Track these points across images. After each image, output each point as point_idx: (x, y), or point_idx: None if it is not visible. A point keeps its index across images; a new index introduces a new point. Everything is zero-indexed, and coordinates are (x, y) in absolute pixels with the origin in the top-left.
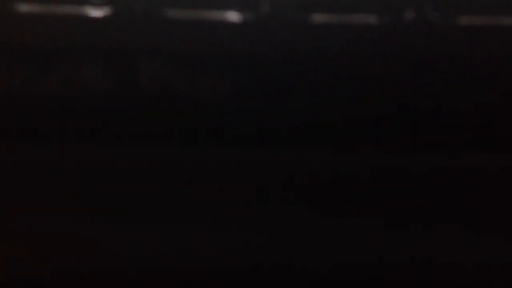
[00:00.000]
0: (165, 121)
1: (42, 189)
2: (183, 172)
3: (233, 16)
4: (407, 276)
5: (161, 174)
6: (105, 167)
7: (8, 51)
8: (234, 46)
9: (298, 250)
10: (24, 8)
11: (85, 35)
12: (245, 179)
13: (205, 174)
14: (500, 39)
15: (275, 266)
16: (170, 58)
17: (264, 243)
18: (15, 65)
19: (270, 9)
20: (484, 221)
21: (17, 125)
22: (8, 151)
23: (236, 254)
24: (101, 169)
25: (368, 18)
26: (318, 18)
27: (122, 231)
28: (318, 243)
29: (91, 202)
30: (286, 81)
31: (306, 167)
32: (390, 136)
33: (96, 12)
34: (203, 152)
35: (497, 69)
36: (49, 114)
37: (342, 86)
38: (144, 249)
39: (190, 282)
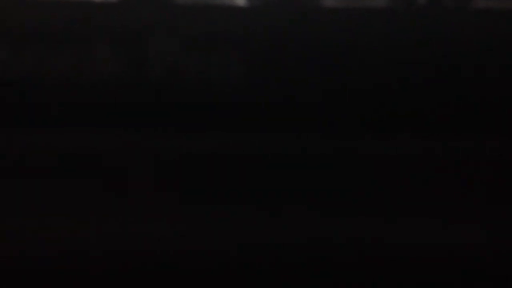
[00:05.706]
0: (173, 105)
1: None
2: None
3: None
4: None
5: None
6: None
7: (20, 36)
8: (244, 31)
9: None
10: None
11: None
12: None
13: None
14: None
15: None
16: (179, 43)
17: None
18: (29, 49)
19: None
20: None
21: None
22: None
23: None
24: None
25: (380, 2)
26: (329, 2)
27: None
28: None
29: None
30: (296, 65)
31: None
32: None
33: None
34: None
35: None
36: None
37: (352, 70)
38: None
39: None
